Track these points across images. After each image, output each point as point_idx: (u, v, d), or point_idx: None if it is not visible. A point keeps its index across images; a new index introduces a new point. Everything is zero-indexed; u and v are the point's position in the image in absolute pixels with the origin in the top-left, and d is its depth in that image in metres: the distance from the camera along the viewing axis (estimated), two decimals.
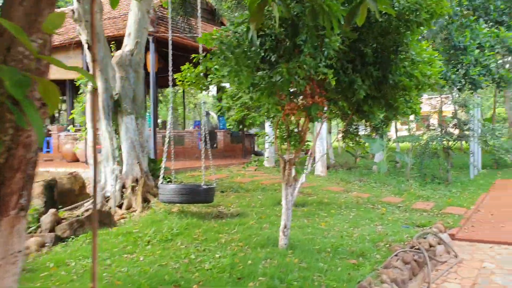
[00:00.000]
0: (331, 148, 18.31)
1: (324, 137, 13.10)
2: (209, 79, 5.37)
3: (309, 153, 9.28)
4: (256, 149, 19.24)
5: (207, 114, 18.94)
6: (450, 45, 14.45)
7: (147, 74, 14.70)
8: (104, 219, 7.18)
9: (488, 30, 14.43)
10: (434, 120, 15.87)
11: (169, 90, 11.12)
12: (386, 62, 5.05)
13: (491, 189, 12.22)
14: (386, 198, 10.20)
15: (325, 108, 7.36)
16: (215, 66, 4.72)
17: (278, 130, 5.68)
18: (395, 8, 4.64)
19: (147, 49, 14.56)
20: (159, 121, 31.18)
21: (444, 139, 12.91)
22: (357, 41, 4.98)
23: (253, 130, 15.86)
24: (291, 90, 5.10)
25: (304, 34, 4.41)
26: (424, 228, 7.76)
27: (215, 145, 17.73)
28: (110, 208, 8.22)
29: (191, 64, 5.75)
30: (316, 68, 4.30)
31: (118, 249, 5.86)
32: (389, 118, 6.10)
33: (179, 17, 13.73)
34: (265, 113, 5.23)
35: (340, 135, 9.12)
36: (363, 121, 6.91)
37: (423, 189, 11.49)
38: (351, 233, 6.94)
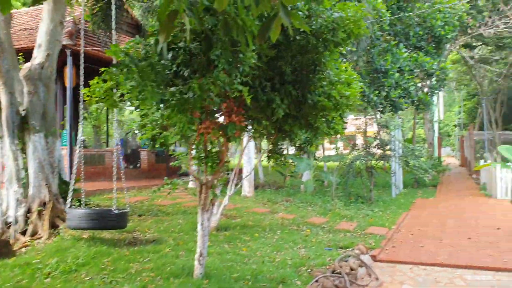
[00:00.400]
0: (261, 167, 18.19)
1: (252, 157, 12.89)
2: (118, 95, 4.93)
3: (234, 172, 9.01)
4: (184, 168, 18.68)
5: (128, 133, 18.17)
6: (372, 68, 14.88)
7: (65, 89, 13.87)
8: (1, 248, 6.40)
9: (407, 55, 15.04)
10: (360, 140, 16.26)
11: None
12: (305, 81, 4.90)
13: (411, 208, 12.55)
14: (311, 219, 10.10)
15: (249, 127, 7.12)
16: (121, 81, 4.30)
17: (194, 150, 5.33)
18: (312, 27, 4.49)
19: (65, 63, 13.77)
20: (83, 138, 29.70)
21: (367, 159, 13.16)
22: (276, 59, 4.78)
23: (182, 149, 15.33)
24: (211, 108, 4.80)
25: (219, 49, 4.13)
26: (347, 249, 7.68)
27: (138, 165, 16.99)
28: (10, 235, 7.39)
29: (100, 78, 5.28)
30: (231, 85, 4.02)
31: (10, 284, 5.16)
32: (310, 138, 5.94)
33: (100, 30, 13.04)
34: (179, 132, 4.86)
35: (265, 155, 8.93)
36: (287, 140, 6.74)
37: (347, 209, 11.55)
38: (273, 258, 6.68)
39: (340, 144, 17.01)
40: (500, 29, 19.54)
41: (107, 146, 22.90)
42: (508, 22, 19.25)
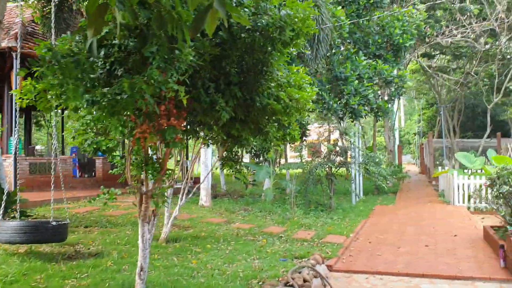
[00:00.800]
0: (222, 175, 17.79)
1: (209, 164, 12.51)
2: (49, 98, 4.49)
3: (185, 181, 8.61)
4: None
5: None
6: (332, 75, 14.83)
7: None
8: None
9: (367, 63, 15.07)
10: (324, 148, 16.13)
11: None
12: (252, 83, 4.60)
13: (370, 215, 12.46)
14: (268, 228, 9.81)
15: (201, 133, 6.76)
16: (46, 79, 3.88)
17: (134, 157, 4.93)
18: (258, 24, 4.21)
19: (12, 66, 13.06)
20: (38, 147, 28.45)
21: (327, 166, 13.01)
22: (221, 58, 4.47)
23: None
24: (149, 111, 4.42)
25: (154, 45, 3.78)
26: (303, 260, 7.42)
27: (93, 174, 16.31)
28: None
29: (33, 80, 4.82)
30: (165, 84, 3.67)
31: None
32: (263, 144, 5.65)
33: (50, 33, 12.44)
34: (115, 136, 4.47)
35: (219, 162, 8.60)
36: (238, 146, 6.43)
37: (306, 217, 11.33)
38: (224, 271, 6.32)
39: (305, 151, 16.86)
40: (457, 38, 19.96)
41: (63, 154, 22.02)
42: (465, 32, 19.69)
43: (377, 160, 14.87)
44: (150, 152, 5.06)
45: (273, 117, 5.27)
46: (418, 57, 25.12)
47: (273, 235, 9.16)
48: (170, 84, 3.67)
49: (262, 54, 4.50)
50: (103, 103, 3.87)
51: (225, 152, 8.03)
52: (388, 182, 19.72)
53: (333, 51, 14.96)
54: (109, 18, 3.90)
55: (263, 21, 4.24)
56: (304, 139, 15.85)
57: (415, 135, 44.74)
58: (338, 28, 14.41)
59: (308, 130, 16.74)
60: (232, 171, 8.38)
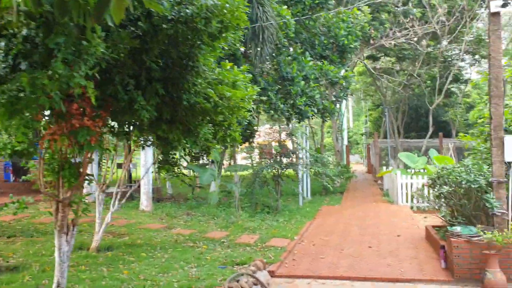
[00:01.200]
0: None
1: (150, 168, 11.97)
2: None
3: (117, 186, 8.10)
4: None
5: None
6: (279, 75, 14.65)
7: None
8: None
9: (313, 63, 14.99)
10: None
11: None
12: (177, 79, 4.23)
13: (316, 217, 12.34)
14: (211, 233, 9.44)
15: (137, 137, 6.32)
16: None
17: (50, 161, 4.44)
18: (181, 14, 3.85)
19: None
20: None
21: (274, 167, 12.80)
22: (142, 52, 4.08)
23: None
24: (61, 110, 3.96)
25: (60, 36, 3.34)
26: (244, 266, 7.11)
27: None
28: None
29: None
30: (71, 79, 3.25)
31: None
32: (192, 146, 5.28)
33: None
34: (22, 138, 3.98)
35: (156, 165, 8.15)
36: (169, 148, 6.04)
37: (252, 220, 11.04)
38: (157, 281, 5.91)
39: (256, 153, 16.56)
40: (400, 40, 20.36)
41: None
42: (408, 34, 20.11)
43: (324, 160, 14.81)
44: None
45: (206, 117, 4.93)
46: (364, 59, 25.51)
47: (214, 241, 8.80)
48: (77, 79, 3.25)
49: (188, 48, 4.15)
50: (2, 100, 3.40)
51: (162, 155, 7.62)
52: (335, 182, 19.81)
53: (280, 51, 14.79)
54: (8, 4, 3.43)
55: (187, 11, 3.88)
56: (252, 141, 15.58)
57: (362, 135, 45.67)
58: (284, 27, 14.25)
59: (257, 131, 16.49)
60: (170, 175, 7.98)
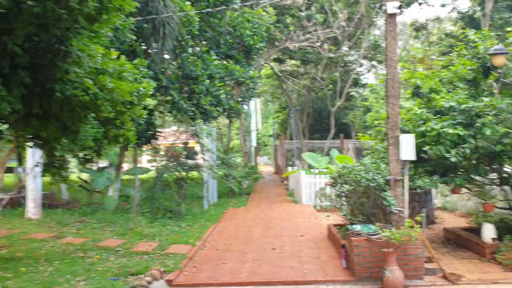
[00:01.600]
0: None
1: (39, 172, 10.82)
2: None
3: None
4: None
5: None
6: (183, 73, 14.12)
7: None
8: None
9: (218, 62, 14.66)
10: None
11: None
12: (48, 67, 3.62)
13: (221, 220, 12.00)
14: (105, 242, 8.69)
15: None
16: None
17: None
18: None
19: None
20: None
21: (176, 170, 12.25)
22: (2, 33, 3.42)
23: None
24: None
25: None
26: (139, 276, 6.55)
27: None
28: None
29: None
30: None
31: None
32: (70, 146, 4.65)
33: None
34: None
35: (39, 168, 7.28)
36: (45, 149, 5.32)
37: (152, 226, 10.41)
38: None
39: (160, 155, 15.79)
40: (304, 44, 20.76)
41: None
42: (311, 38, 20.56)
43: (231, 162, 14.54)
44: None
45: (87, 112, 4.34)
46: (270, 62, 25.75)
47: (109, 250, 8.10)
48: None
49: (61, 30, 3.56)
50: None
51: (46, 157, 6.79)
52: (243, 183, 19.68)
53: (184, 48, 14.26)
54: None
55: None
56: (155, 142, 14.87)
57: (270, 137, 46.38)
58: (187, 24, 13.75)
59: (160, 132, 15.78)
60: (56, 179, 7.16)
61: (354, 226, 7.00)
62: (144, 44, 12.91)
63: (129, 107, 6.52)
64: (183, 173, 12.45)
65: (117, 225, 10.41)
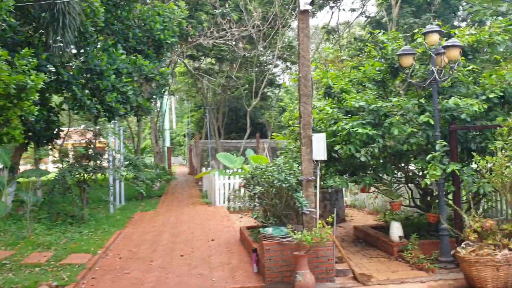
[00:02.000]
0: None
1: None
2: None
3: None
4: None
5: None
6: (87, 68, 13.08)
7: None
8: None
9: (126, 57, 13.79)
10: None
11: None
12: None
13: (128, 225, 11.23)
14: None
15: None
16: None
17: None
18: None
19: None
20: None
21: (78, 172, 11.28)
22: None
23: None
24: None
25: None
26: None
27: None
28: None
29: None
30: None
31: None
32: None
33: None
34: None
35: None
36: None
37: (49, 234, 9.44)
38: None
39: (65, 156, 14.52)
40: (218, 41, 20.37)
41: None
42: (225, 36, 20.22)
43: (138, 163, 13.74)
44: None
45: None
46: (184, 58, 25.05)
47: None
48: None
49: None
50: None
51: None
52: (154, 185, 18.83)
53: (88, 41, 13.22)
54: None
55: None
56: (56, 142, 13.66)
57: (185, 136, 45.50)
58: (92, 15, 12.75)
59: (62, 130, 14.54)
60: None
61: (266, 229, 6.72)
62: (44, 35, 11.78)
63: (15, 102, 5.72)
64: (86, 175, 11.49)
65: (8, 234, 9.31)
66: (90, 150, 11.70)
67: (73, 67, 13.08)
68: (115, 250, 8.56)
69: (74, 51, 13.44)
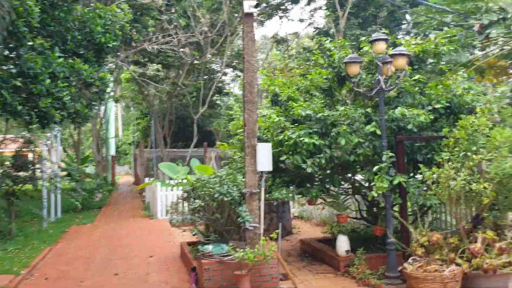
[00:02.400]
0: None
1: None
2: None
3: None
4: None
5: None
6: (19, 71, 12.14)
7: None
8: None
9: (64, 60, 12.93)
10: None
11: None
12: None
13: (60, 240, 10.40)
14: None
15: None
16: None
17: None
18: None
19: None
20: None
21: (5, 183, 10.35)
22: None
23: None
24: None
25: None
26: None
27: None
28: None
29: None
30: None
31: None
32: None
33: None
34: None
35: None
36: None
37: None
38: None
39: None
40: (164, 47, 19.74)
41: None
42: (172, 42, 19.63)
43: (74, 173, 12.88)
44: None
45: None
46: (130, 65, 24.17)
47: None
48: None
49: None
50: None
51: None
52: (95, 196, 17.84)
53: (21, 42, 12.29)
54: None
55: None
56: None
57: (130, 145, 44.14)
58: (25, 14, 11.87)
59: None
60: None
61: (205, 246, 6.27)
62: None
63: None
64: (14, 187, 10.57)
65: None
66: (20, 160, 10.78)
67: (5, 69, 12.13)
68: (43, 269, 7.81)
69: (5, 52, 12.47)
